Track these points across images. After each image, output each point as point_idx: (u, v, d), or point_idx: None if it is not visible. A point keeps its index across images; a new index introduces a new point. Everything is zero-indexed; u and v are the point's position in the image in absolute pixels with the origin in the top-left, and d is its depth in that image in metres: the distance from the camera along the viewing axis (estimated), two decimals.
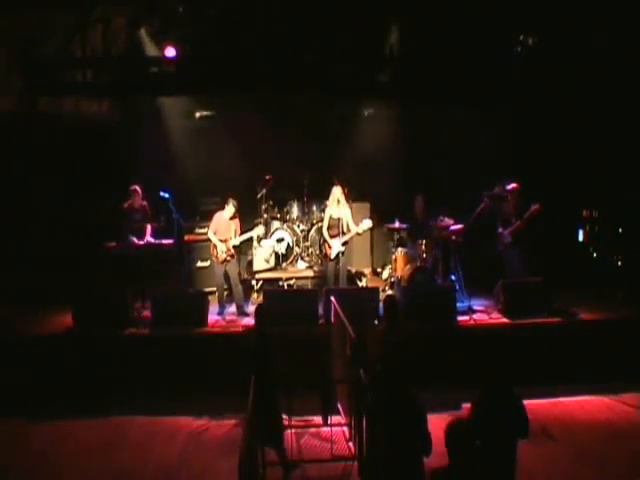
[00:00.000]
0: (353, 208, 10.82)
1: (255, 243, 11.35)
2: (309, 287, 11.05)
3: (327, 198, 10.54)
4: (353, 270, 11.53)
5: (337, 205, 10.19)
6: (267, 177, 11.75)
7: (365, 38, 11.35)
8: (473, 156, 11.43)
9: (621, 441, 7.37)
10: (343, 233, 10.10)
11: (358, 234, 10.30)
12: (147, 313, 9.52)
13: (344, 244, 10.14)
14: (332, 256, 10.14)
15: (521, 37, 11.39)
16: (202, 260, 11.11)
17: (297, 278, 11.43)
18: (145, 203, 10.30)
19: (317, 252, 11.71)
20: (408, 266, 10.33)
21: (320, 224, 11.22)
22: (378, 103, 12.42)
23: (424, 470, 4.98)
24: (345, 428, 7.29)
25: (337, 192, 10.19)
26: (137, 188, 10.21)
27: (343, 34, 11.20)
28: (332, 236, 10.18)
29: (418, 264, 10.24)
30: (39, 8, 10.50)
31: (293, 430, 7.25)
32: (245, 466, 4.74)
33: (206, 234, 10.30)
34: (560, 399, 8.44)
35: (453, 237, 10.23)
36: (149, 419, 8.05)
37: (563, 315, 9.40)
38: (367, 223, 10.15)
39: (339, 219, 10.12)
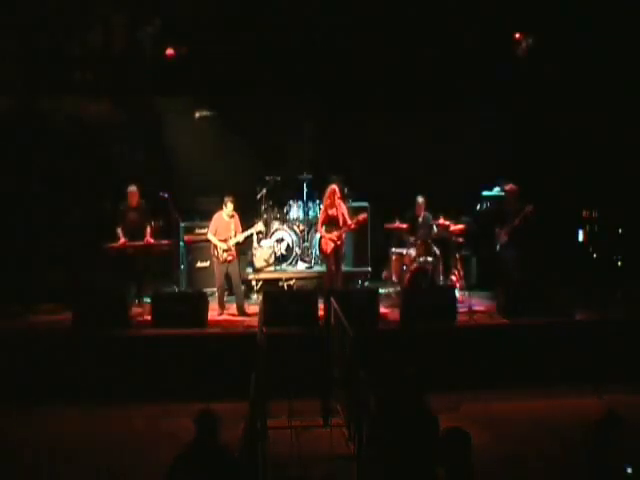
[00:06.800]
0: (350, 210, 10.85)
1: (255, 244, 11.34)
2: (309, 287, 11.05)
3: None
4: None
5: (332, 203, 10.19)
6: (267, 177, 11.75)
7: (365, 38, 11.36)
8: (472, 156, 11.43)
9: None
10: (339, 228, 10.16)
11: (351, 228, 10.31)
12: (146, 314, 9.52)
13: (338, 238, 10.15)
14: (328, 250, 10.17)
15: (521, 37, 11.40)
16: (202, 260, 11.10)
17: (297, 278, 11.43)
18: (142, 203, 10.25)
19: (317, 252, 11.69)
20: (408, 266, 10.32)
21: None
22: (376, 103, 12.40)
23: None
24: (345, 428, 7.29)
25: (331, 191, 10.19)
26: (134, 189, 10.17)
27: (343, 34, 11.22)
28: (328, 232, 10.20)
29: (418, 265, 10.24)
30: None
31: (293, 430, 7.24)
32: (245, 463, 4.74)
33: (206, 234, 10.29)
34: (559, 399, 8.44)
35: (453, 237, 10.23)
36: (149, 419, 8.04)
37: (563, 315, 9.39)
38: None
39: (335, 216, 10.16)
